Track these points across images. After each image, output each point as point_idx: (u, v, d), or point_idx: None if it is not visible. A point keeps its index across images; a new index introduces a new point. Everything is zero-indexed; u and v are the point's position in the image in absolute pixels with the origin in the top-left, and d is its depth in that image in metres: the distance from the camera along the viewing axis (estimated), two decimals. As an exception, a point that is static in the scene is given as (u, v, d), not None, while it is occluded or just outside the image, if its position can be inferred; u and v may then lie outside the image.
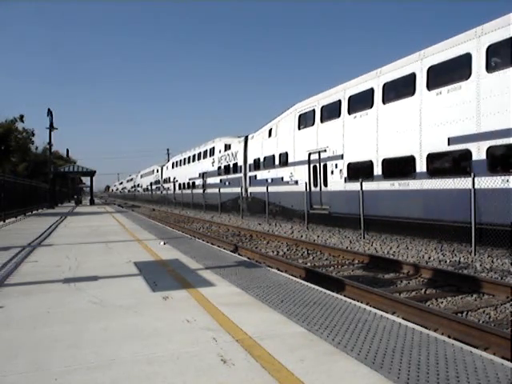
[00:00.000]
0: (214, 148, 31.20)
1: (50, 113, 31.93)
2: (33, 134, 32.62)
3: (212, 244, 10.97)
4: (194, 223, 21.76)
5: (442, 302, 6.11)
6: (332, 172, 16.04)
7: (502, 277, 7.51)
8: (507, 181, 9.53)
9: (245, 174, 25.06)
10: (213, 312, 3.96)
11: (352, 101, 15.05)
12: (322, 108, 16.86)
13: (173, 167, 44.58)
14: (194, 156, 36.72)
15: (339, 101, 15.67)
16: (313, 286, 5.12)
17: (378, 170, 13.64)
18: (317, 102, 17.25)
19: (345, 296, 5.00)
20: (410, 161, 12.36)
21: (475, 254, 9.54)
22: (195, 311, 4.01)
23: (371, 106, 13.98)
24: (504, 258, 9.11)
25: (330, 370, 2.69)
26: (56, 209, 31.33)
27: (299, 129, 18.54)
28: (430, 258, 9.51)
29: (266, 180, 21.67)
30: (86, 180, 56.51)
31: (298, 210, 17.99)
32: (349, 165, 15.15)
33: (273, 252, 11.06)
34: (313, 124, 17.47)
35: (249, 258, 8.87)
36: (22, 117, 29.90)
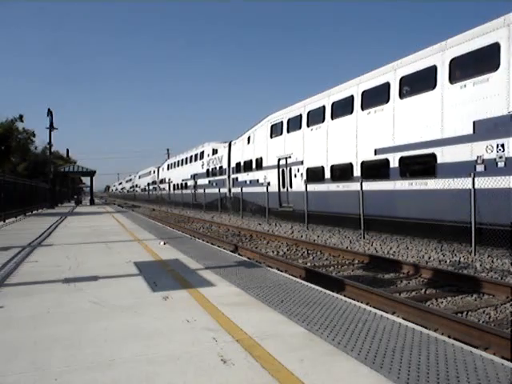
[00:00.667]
0: (203, 152, 34.03)
1: (50, 113, 31.95)
2: (33, 135, 32.63)
3: (212, 244, 10.96)
4: (194, 223, 21.76)
5: (442, 302, 6.11)
6: (295, 175, 18.69)
7: (502, 277, 7.51)
8: (411, 184, 12.21)
9: (228, 176, 27.78)
10: (213, 312, 3.96)
11: (309, 115, 17.70)
12: (288, 120, 19.46)
13: (168, 169, 47.07)
14: (186, 159, 39.41)
15: (300, 115, 18.43)
16: (313, 286, 5.12)
17: (328, 174, 16.31)
18: (284, 114, 19.93)
19: (345, 296, 5.00)
20: (349, 167, 15.00)
21: (475, 254, 9.54)
22: (195, 311, 4.01)
23: (323, 121, 16.65)
24: (504, 258, 9.11)
25: (330, 370, 2.69)
26: (56, 209, 31.34)
27: (271, 137, 21.26)
28: (430, 258, 9.51)
29: (245, 182, 24.48)
30: (86, 180, 56.71)
31: (272, 208, 20.31)
32: (307, 169, 17.72)
33: (273, 252, 11.06)
34: (281, 134, 20.14)
35: (249, 258, 8.87)
36: (21, 117, 29.91)
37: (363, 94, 14.37)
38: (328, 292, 4.80)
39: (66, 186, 50.43)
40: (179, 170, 41.45)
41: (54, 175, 35.04)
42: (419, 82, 12.20)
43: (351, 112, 14.87)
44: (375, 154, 13.75)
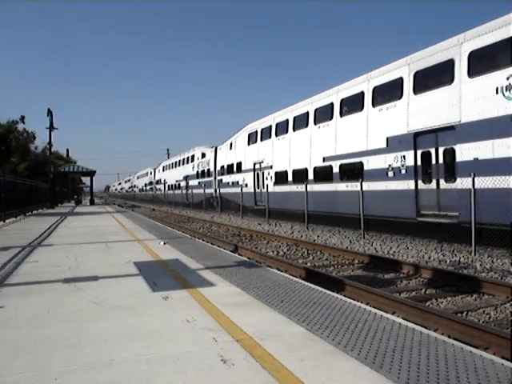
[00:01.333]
0: (193, 155, 37.48)
1: (50, 113, 31.95)
2: (34, 137, 32.66)
3: (212, 244, 10.96)
4: (193, 223, 21.76)
5: (442, 302, 6.11)
6: (267, 178, 21.71)
7: (502, 277, 7.50)
8: (346, 186, 15.29)
9: (215, 178, 31.01)
10: (213, 312, 3.96)
11: (277, 126, 20.83)
12: (262, 130, 22.69)
13: (163, 170, 50.36)
14: (179, 161, 42.82)
15: (270, 126, 21.60)
16: (313, 286, 5.12)
17: (290, 177, 19.31)
18: (259, 125, 23.10)
19: (345, 296, 5.00)
20: (305, 171, 18.01)
21: (475, 254, 9.54)
22: (195, 311, 4.01)
23: (286, 132, 19.81)
24: (504, 258, 9.11)
25: (330, 370, 2.69)
26: (56, 209, 31.34)
27: (248, 144, 24.44)
28: (430, 258, 9.50)
29: (228, 183, 27.75)
30: (86, 180, 56.83)
31: (248, 206, 23.84)
32: (276, 173, 20.74)
33: (273, 252, 11.05)
34: (256, 142, 23.38)
35: (249, 258, 8.87)
36: (22, 118, 29.92)
37: (315, 111, 17.54)
38: (328, 292, 4.80)
39: (66, 186, 50.44)
40: (173, 171, 44.36)
41: (54, 175, 35.04)
42: (353, 104, 15.24)
43: (306, 125, 18.06)
44: (323, 161, 16.82)
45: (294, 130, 19.16)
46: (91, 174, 38.65)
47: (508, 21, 9.86)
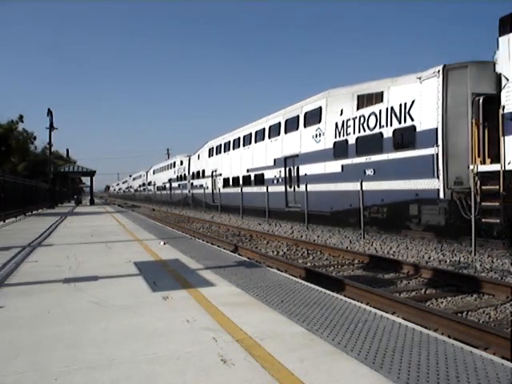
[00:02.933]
0: (175, 162, 45.39)
1: (49, 113, 31.95)
2: (34, 138, 32.66)
3: (212, 244, 10.96)
4: (193, 223, 21.76)
5: (442, 302, 6.11)
6: (219, 182, 29.53)
7: (502, 277, 7.50)
8: (260, 188, 21.93)
9: (189, 181, 38.46)
10: (213, 312, 3.96)
11: (224, 146, 28.91)
12: (216, 147, 30.80)
13: (153, 173, 58.24)
14: (165, 166, 51.05)
15: (220, 144, 29.88)
16: (313, 286, 5.12)
17: (231, 182, 27.19)
18: (215, 142, 31.16)
19: (345, 296, 5.00)
20: (238, 178, 25.70)
21: (475, 254, 9.55)
22: (195, 311, 4.01)
23: (229, 150, 27.94)
24: (504, 258, 9.11)
25: (330, 370, 2.69)
26: (56, 209, 31.33)
27: (208, 157, 32.44)
28: (430, 257, 9.50)
29: (197, 185, 35.24)
30: (86, 180, 57.09)
31: (209, 203, 31.77)
32: (223, 179, 28.63)
33: (273, 252, 11.05)
34: (212, 155, 31.60)
35: (249, 258, 8.87)
36: (21, 117, 29.90)
37: (244, 138, 25.31)
38: (328, 292, 4.80)
39: (66, 186, 50.42)
40: (161, 174, 52.31)
41: (54, 175, 35.03)
42: (260, 136, 22.97)
43: (239, 147, 26.08)
44: (247, 172, 24.47)
45: (233, 148, 27.23)
46: (91, 174, 38.65)
47: (319, 98, 17.34)
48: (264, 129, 22.45)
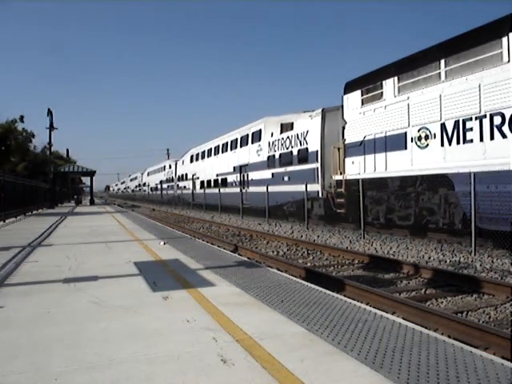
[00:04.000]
0: (165, 166, 50.78)
1: (49, 113, 31.95)
2: (33, 136, 32.63)
3: (212, 244, 10.96)
4: (194, 223, 21.76)
5: (442, 302, 6.11)
6: (197, 184, 34.94)
7: (502, 277, 7.50)
8: (224, 190, 27.26)
9: (175, 183, 44.02)
10: (213, 312, 3.96)
11: (201, 154, 34.42)
12: (196, 154, 36.19)
13: (148, 175, 63.92)
14: (157, 169, 56.54)
15: (198, 153, 35.46)
16: (313, 286, 5.12)
17: (205, 184, 32.14)
18: (195, 150, 36.75)
19: (345, 296, 5.00)
20: (211, 181, 30.95)
21: (475, 254, 9.54)
22: (195, 311, 4.01)
23: (204, 158, 33.52)
24: (504, 258, 9.10)
25: (330, 370, 2.69)
26: (56, 209, 31.33)
27: (190, 162, 38.00)
28: (430, 257, 9.50)
29: (181, 187, 40.82)
30: (86, 180, 57.29)
31: (190, 201, 36.77)
32: (200, 182, 34.02)
33: (273, 252, 11.05)
34: (192, 161, 37.25)
35: (249, 258, 8.87)
36: (21, 117, 29.91)
37: (214, 148, 30.93)
38: (328, 292, 4.80)
39: (66, 186, 50.41)
40: (153, 176, 57.99)
41: (54, 175, 35.04)
42: (225, 148, 28.56)
43: (210, 156, 31.86)
44: (216, 176, 29.93)
45: (207, 157, 32.74)
46: (91, 174, 38.66)
47: (260, 122, 22.93)
48: (227, 142, 28.35)
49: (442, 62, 11.09)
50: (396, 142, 12.39)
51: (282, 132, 20.59)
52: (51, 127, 32.31)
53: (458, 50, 10.70)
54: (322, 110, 17.24)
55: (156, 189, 54.95)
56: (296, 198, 18.17)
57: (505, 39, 9.23)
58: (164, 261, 6.92)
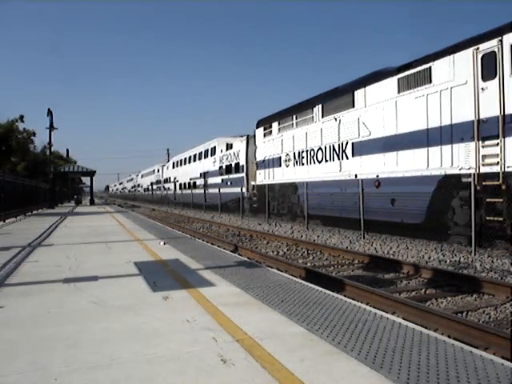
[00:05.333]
0: (154, 169, 58.62)
1: (49, 113, 31.93)
2: (34, 134, 32.62)
3: (212, 244, 10.96)
4: (194, 223, 21.76)
5: (442, 302, 6.11)
6: (177, 186, 41.60)
7: (502, 277, 7.50)
8: (195, 191, 35.20)
9: (162, 185, 51.27)
10: (213, 312, 3.96)
11: (180, 162, 42.12)
12: (176, 162, 44.10)
13: (141, 177, 71.82)
14: (148, 172, 64.03)
15: (178, 160, 43.20)
16: (313, 286, 5.12)
17: (183, 186, 39.22)
18: (177, 158, 44.43)
19: (345, 296, 5.00)
20: (187, 183, 38.27)
21: (475, 254, 9.54)
22: (195, 311, 4.01)
23: (181, 165, 41.36)
24: (504, 258, 9.10)
25: (330, 370, 2.69)
26: (56, 209, 31.33)
27: (173, 168, 45.23)
28: (430, 257, 9.50)
29: (167, 188, 48.46)
30: (86, 180, 57.49)
31: (173, 200, 42.97)
32: (179, 184, 40.78)
33: (273, 252, 11.05)
34: (174, 167, 44.46)
35: (249, 258, 8.87)
36: (22, 117, 29.89)
37: (188, 158, 38.49)
38: (328, 292, 4.80)
39: (66, 186, 50.42)
40: (146, 178, 65.57)
41: (54, 175, 35.03)
42: (193, 158, 36.55)
43: (185, 164, 39.51)
44: (190, 179, 36.96)
45: (184, 164, 40.40)
46: (91, 174, 38.67)
47: (215, 141, 31.07)
48: (196, 154, 36.33)
49: (294, 117, 18.25)
50: (276, 162, 19.86)
51: (227, 149, 28.65)
52: (51, 127, 32.30)
53: (301, 109, 17.81)
54: (247, 137, 24.93)
55: (147, 189, 62.95)
56: (234, 197, 25.63)
57: (355, 92, 14.21)
58: (164, 261, 6.92)
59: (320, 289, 4.94)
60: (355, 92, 14.30)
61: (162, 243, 9.14)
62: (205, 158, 33.25)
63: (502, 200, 9.43)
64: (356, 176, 13.97)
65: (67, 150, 54.98)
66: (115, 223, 15.74)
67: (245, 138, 25.06)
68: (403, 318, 4.65)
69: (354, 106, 14.32)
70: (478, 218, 9.85)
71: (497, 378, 2.59)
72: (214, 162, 30.67)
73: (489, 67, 9.72)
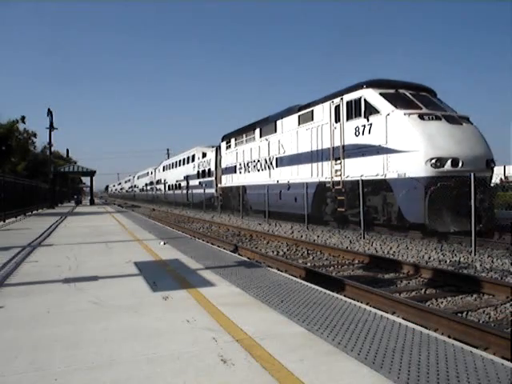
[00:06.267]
0: (148, 172, 63.72)
1: (49, 113, 31.93)
2: (34, 136, 32.63)
3: (212, 244, 10.96)
4: (193, 223, 21.76)
5: (442, 302, 6.11)
6: (166, 186, 47.26)
7: (502, 277, 7.50)
8: (181, 191, 40.28)
9: (155, 186, 56.57)
10: (213, 312, 3.96)
11: (167, 165, 48.72)
12: (165, 166, 49.63)
13: (138, 178, 77.15)
14: (143, 174, 69.33)
15: (166, 165, 49.49)
16: (313, 286, 5.12)
17: (172, 187, 44.03)
18: (166, 162, 50.75)
19: (345, 296, 5.00)
20: (173, 185, 43.39)
21: (475, 254, 9.55)
22: (195, 311, 4.01)
23: (169, 169, 46.95)
24: (504, 258, 9.11)
25: (330, 370, 2.69)
26: (56, 209, 31.33)
27: (163, 171, 50.29)
28: (430, 257, 9.50)
29: (158, 189, 53.64)
30: (86, 180, 57.80)
31: (163, 200, 48.36)
32: (168, 185, 46.09)
33: (273, 252, 11.05)
34: (164, 171, 49.54)
35: (249, 258, 8.87)
36: (23, 118, 29.91)
37: (173, 163, 45.51)
38: (328, 292, 4.80)
39: (66, 186, 50.42)
40: (141, 180, 70.49)
41: (54, 175, 35.03)
42: (179, 163, 42.76)
43: (173, 168, 44.78)
44: (176, 181, 41.74)
45: (171, 168, 45.58)
46: (91, 174, 38.67)
47: (194, 150, 37.16)
48: (180, 160, 42.09)
49: (245, 135, 24.04)
50: (234, 169, 25.22)
51: (203, 157, 34.23)
52: (51, 127, 32.30)
53: (263, 124, 21.63)
54: (216, 148, 29.97)
55: (142, 190, 69.11)
56: (208, 196, 31.20)
57: (277, 122, 19.44)
58: (164, 261, 6.92)
59: (320, 289, 4.94)
60: (277, 121, 19.61)
61: (162, 243, 9.14)
62: (187, 163, 39.07)
63: (343, 198, 14.76)
64: (278, 181, 19.50)
65: (67, 150, 54.97)
66: (115, 223, 15.74)
67: (214, 148, 30.51)
68: (403, 318, 4.66)
69: (276, 132, 19.78)
70: (332, 209, 15.87)
71: (497, 377, 2.59)
72: (194, 167, 36.43)
73: (337, 114, 15.04)
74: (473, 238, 9.79)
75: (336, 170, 14.94)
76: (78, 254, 7.83)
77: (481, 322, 5.20)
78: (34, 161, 38.04)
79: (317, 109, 16.21)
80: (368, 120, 13.53)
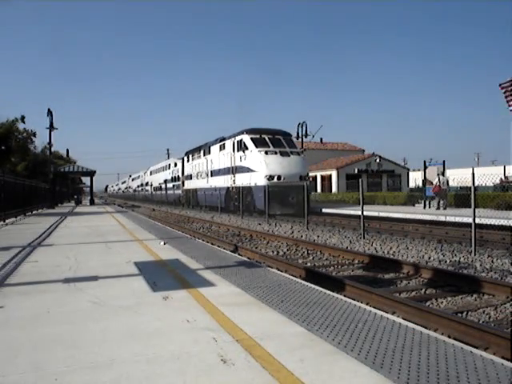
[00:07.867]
0: (140, 175, 71.30)
1: (50, 113, 31.92)
2: (34, 135, 32.63)
3: (212, 244, 10.96)
4: (194, 223, 21.76)
5: (442, 302, 6.11)
6: (153, 188, 56.65)
7: (502, 277, 7.50)
8: (165, 191, 48.78)
9: (144, 187, 63.68)
10: (213, 312, 3.96)
11: (152, 171, 58.25)
12: (151, 170, 59.14)
13: (132, 180, 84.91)
14: (136, 176, 77.15)
15: (152, 169, 58.21)
16: (313, 286, 5.12)
17: (156, 188, 54.10)
18: (152, 167, 59.75)
19: (345, 296, 5.00)
20: (157, 187, 53.03)
21: (475, 254, 9.55)
22: (195, 311, 4.01)
23: (154, 173, 56.43)
24: (504, 258, 9.11)
25: (330, 370, 2.69)
26: (56, 209, 31.33)
27: (150, 175, 58.88)
28: (430, 258, 9.50)
29: (146, 190, 61.33)
30: (86, 180, 57.79)
31: (151, 200, 56.98)
32: (154, 187, 55.74)
33: (273, 252, 11.05)
34: (151, 174, 58.86)
35: (249, 258, 8.87)
36: (23, 118, 29.90)
37: (158, 168, 54.65)
38: (328, 292, 4.80)
39: (65, 186, 50.44)
40: (135, 181, 78.33)
41: (54, 175, 35.03)
42: (161, 169, 52.52)
43: (157, 172, 53.99)
44: (159, 184, 51.70)
45: (155, 173, 53.89)
46: (91, 174, 38.67)
47: (171, 160, 50.53)
48: (161, 167, 51.01)
49: (197, 152, 34.49)
50: (191, 177, 35.07)
51: (175, 166, 43.25)
52: (51, 127, 32.29)
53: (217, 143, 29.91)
54: (182, 159, 39.21)
55: (135, 190, 77.23)
56: (177, 196, 40.52)
57: (210, 147, 30.68)
58: (164, 261, 6.92)
59: (320, 289, 4.94)
60: (210, 147, 30.36)
61: (162, 243, 9.14)
62: (165, 170, 48.71)
63: (236, 196, 24.22)
64: (211, 186, 29.40)
65: (67, 150, 54.90)
66: (115, 223, 15.74)
67: (181, 160, 40.32)
68: (403, 318, 4.65)
69: (210, 153, 30.41)
70: (232, 203, 25.50)
71: (497, 377, 2.59)
72: (170, 173, 45.67)
73: (233, 147, 25.46)
74: (473, 238, 9.79)
75: (234, 181, 25.43)
76: (78, 253, 7.83)
77: (481, 322, 5.20)
78: (34, 161, 38.05)
79: (227, 142, 26.86)
80: (244, 152, 23.95)
